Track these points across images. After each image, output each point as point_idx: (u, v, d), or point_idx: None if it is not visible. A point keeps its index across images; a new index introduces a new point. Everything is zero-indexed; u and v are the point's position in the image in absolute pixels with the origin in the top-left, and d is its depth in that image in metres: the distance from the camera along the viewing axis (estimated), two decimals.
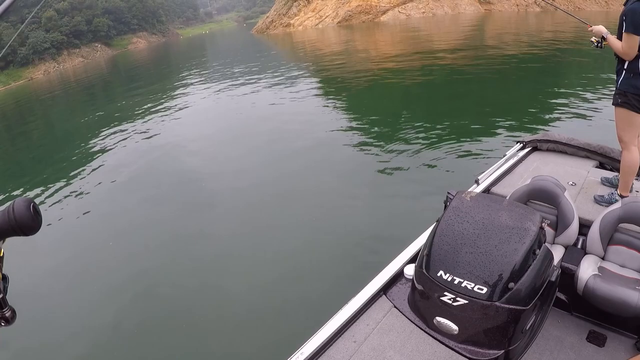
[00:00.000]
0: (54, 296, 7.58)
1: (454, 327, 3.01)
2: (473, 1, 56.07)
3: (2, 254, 1.33)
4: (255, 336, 5.75)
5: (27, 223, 1.20)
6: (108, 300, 7.11)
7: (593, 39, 4.65)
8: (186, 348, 5.74)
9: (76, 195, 12.39)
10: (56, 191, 12.94)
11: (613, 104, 4.57)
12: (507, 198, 4.03)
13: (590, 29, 4.69)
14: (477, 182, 5.06)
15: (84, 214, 11.07)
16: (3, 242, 1.30)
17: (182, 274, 7.48)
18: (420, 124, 13.46)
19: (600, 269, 3.57)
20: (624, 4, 4.19)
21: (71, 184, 13.46)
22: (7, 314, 1.30)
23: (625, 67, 4.30)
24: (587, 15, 38.31)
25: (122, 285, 7.48)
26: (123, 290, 7.33)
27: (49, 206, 11.70)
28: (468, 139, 11.36)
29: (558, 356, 3.32)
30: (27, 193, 12.87)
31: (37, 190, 13.07)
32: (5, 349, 6.31)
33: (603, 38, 4.52)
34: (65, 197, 12.39)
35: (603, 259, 3.76)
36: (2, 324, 1.31)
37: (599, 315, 3.55)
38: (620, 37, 4.25)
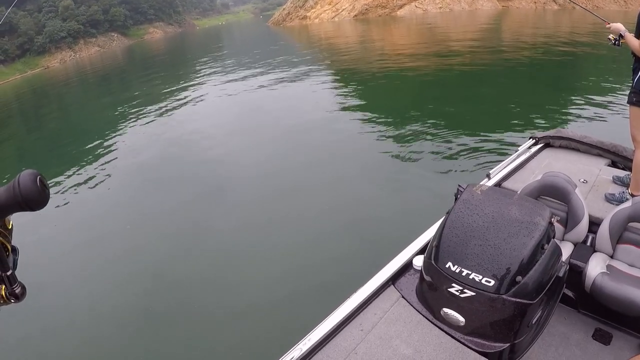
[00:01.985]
0: (65, 279, 7.74)
1: (461, 318, 3.02)
2: None
3: (11, 227, 1.29)
4: (265, 324, 5.81)
5: (34, 197, 1.13)
6: (120, 285, 7.24)
7: (610, 36, 4.60)
8: (197, 334, 5.81)
9: (91, 180, 12.59)
10: (72, 176, 13.16)
11: (628, 102, 4.54)
12: (518, 193, 4.03)
13: (608, 26, 4.63)
14: (488, 176, 5.06)
15: (100, 198, 11.32)
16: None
17: (196, 262, 7.59)
18: (434, 118, 13.43)
19: (609, 267, 3.57)
20: None
21: (86, 169, 13.67)
22: (17, 290, 1.27)
23: None
24: (606, 14, 37.94)
25: (134, 271, 7.61)
26: (135, 276, 7.45)
27: (65, 189, 11.93)
28: (481, 134, 11.32)
29: (563, 352, 3.34)
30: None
31: (53, 175, 13.28)
32: (15, 332, 6.41)
33: (620, 36, 4.47)
34: (81, 181, 12.59)
35: (612, 257, 3.76)
36: (12, 300, 1.28)
37: (606, 313, 3.56)
38: (637, 36, 4.22)
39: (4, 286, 1.26)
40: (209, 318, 6.17)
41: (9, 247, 1.28)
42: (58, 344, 6.25)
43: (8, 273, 1.25)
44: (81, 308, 6.81)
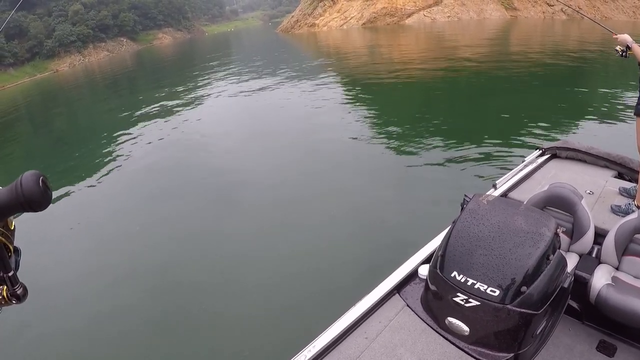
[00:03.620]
0: (71, 280, 7.78)
1: (465, 328, 3.02)
2: (499, 7, 55.65)
3: (13, 227, 1.29)
4: (270, 330, 5.83)
5: (36, 198, 1.12)
6: (125, 287, 7.29)
7: (618, 47, 4.57)
8: (201, 338, 5.82)
9: (99, 182, 12.75)
10: (80, 177, 13.30)
11: (635, 114, 4.53)
12: (524, 203, 4.03)
13: (615, 37, 4.60)
14: (494, 186, 5.07)
15: (109, 200, 11.43)
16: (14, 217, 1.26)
17: (203, 267, 7.63)
18: (441, 127, 13.46)
19: (614, 279, 3.56)
20: None
21: (94, 172, 13.77)
22: (19, 291, 1.29)
23: None
24: (614, 25, 37.75)
25: (140, 273, 7.69)
26: (140, 278, 7.52)
27: (73, 191, 12.01)
28: (488, 144, 11.35)
29: None
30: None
31: (61, 177, 13.36)
32: (21, 334, 6.43)
33: (628, 47, 4.46)
34: (89, 183, 12.75)
35: (617, 269, 3.74)
36: (14, 301, 1.29)
37: (610, 325, 3.55)
38: None
39: (5, 287, 1.28)
40: (214, 322, 6.21)
41: (11, 248, 1.29)
42: (62, 346, 6.27)
43: (10, 274, 1.27)
44: (86, 310, 6.82)
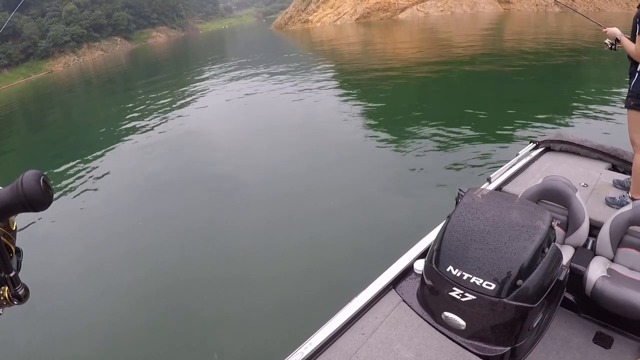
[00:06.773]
0: (75, 279, 7.76)
1: (462, 322, 3.03)
2: (492, 0, 55.71)
3: (14, 228, 1.28)
4: (266, 327, 5.81)
5: (37, 198, 1.11)
6: (130, 285, 7.27)
7: (607, 40, 4.58)
8: (197, 336, 5.81)
9: (99, 181, 12.67)
10: (79, 177, 13.19)
11: (625, 106, 4.53)
12: (519, 197, 4.04)
13: (604, 30, 4.59)
14: (489, 180, 5.06)
15: (110, 197, 11.40)
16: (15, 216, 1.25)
17: (202, 264, 7.60)
18: (435, 121, 13.42)
19: (609, 270, 3.56)
20: (638, 7, 4.17)
21: (94, 171, 13.73)
22: (20, 292, 1.27)
23: (639, 69, 4.26)
24: (608, 17, 37.99)
25: (145, 270, 7.66)
26: (146, 275, 7.49)
27: (73, 190, 11.96)
28: (482, 138, 11.35)
29: (564, 356, 3.32)
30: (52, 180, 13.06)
31: (60, 176, 13.27)
32: (24, 335, 6.42)
33: (617, 40, 4.47)
34: (88, 182, 12.64)
35: (612, 261, 3.74)
36: (15, 302, 1.27)
37: (607, 317, 3.54)
38: (634, 39, 4.23)
39: (6, 288, 1.26)
40: (209, 319, 6.19)
41: (13, 248, 1.28)
42: (66, 346, 6.26)
43: (11, 274, 1.25)
44: (89, 308, 6.81)
